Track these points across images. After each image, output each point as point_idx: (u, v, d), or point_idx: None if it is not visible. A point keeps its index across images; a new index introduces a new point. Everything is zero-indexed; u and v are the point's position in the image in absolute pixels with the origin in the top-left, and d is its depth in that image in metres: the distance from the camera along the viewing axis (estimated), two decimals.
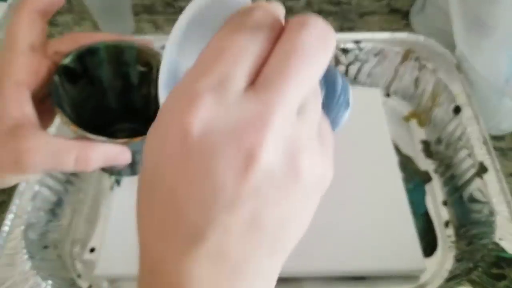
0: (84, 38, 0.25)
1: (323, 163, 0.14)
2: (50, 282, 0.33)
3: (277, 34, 0.13)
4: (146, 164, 0.13)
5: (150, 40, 0.27)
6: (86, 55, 0.26)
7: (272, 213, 0.13)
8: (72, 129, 0.23)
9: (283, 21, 0.14)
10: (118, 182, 0.34)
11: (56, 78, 0.24)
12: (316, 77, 0.13)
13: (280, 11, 0.14)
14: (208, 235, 0.12)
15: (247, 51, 0.12)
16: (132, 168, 0.27)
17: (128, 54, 0.27)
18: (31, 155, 0.20)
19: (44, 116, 0.23)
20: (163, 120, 0.13)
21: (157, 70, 0.23)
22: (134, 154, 0.25)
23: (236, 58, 0.12)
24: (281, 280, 0.38)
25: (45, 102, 0.23)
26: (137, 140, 0.23)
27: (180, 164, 0.12)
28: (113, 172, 0.29)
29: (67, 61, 0.25)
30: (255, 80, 0.12)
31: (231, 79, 0.12)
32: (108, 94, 0.29)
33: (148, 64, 0.27)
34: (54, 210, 0.39)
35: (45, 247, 0.36)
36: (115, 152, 0.23)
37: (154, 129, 0.13)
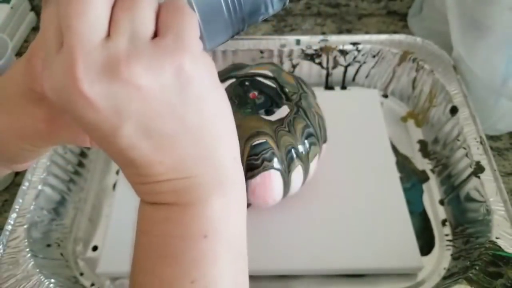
0: None
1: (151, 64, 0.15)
2: (52, 280, 0.33)
3: None
4: None
5: None
6: None
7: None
8: None
9: None
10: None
11: None
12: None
13: None
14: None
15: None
16: None
17: None
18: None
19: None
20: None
21: None
22: None
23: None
24: (280, 277, 0.39)
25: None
26: None
27: None
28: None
29: None
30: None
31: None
32: None
33: None
34: (57, 209, 0.39)
35: (48, 245, 0.37)
36: None
37: None
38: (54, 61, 0.15)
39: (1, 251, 0.34)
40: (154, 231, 0.17)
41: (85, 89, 0.14)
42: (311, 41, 0.48)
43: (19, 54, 0.57)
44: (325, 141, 0.37)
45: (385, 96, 0.50)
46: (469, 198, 0.38)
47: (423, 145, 0.45)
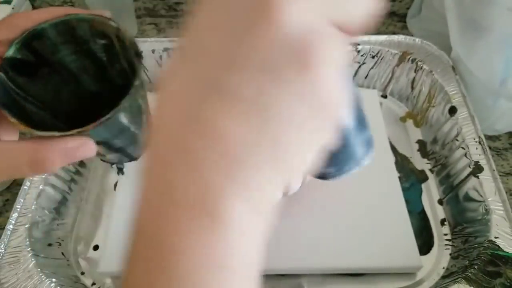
0: (23, 20, 0.21)
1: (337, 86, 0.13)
2: (54, 279, 0.33)
3: None
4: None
5: (100, 11, 0.24)
6: (33, 40, 0.22)
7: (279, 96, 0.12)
8: (21, 129, 0.20)
9: None
10: (121, 170, 0.33)
11: (1, 74, 0.21)
12: None
13: None
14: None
15: None
16: (122, 153, 0.25)
17: (81, 28, 0.23)
18: None
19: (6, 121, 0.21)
20: None
21: (118, 40, 0.23)
22: (109, 140, 0.22)
23: None
24: (281, 276, 0.39)
25: None
26: (91, 126, 0.20)
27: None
28: (104, 160, 0.27)
29: (10, 52, 0.21)
30: None
31: None
32: (81, 79, 0.26)
33: (106, 36, 0.24)
34: (58, 208, 0.39)
35: (49, 245, 0.37)
36: (74, 145, 0.20)
37: None
38: None
39: (2, 250, 0.34)
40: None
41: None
42: None
43: None
44: None
45: (384, 96, 0.50)
46: (468, 198, 0.38)
47: (422, 145, 0.45)
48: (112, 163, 0.29)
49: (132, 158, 0.27)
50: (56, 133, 0.20)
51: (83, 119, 0.21)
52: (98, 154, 0.24)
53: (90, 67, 0.25)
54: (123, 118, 0.22)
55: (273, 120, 0.12)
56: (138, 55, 0.23)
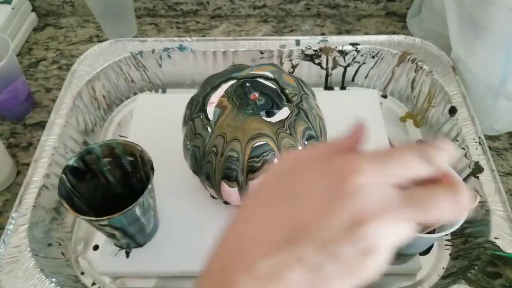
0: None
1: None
2: (53, 279, 0.33)
3: (436, 174, 0.17)
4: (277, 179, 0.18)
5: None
6: (86, 155, 0.34)
7: (331, 268, 0.15)
8: (71, 213, 0.31)
9: (448, 171, 0.17)
10: (128, 254, 0.37)
11: (63, 176, 0.33)
12: (432, 218, 0.16)
13: (448, 158, 0.17)
14: (294, 250, 0.15)
15: (414, 168, 0.16)
16: (132, 239, 0.35)
17: (118, 149, 0.35)
18: None
19: None
20: (329, 162, 0.17)
21: (140, 157, 0.34)
22: (125, 226, 0.33)
23: (405, 166, 0.16)
24: None
25: None
26: (117, 215, 0.30)
27: (324, 186, 0.16)
28: (117, 245, 0.37)
29: (71, 162, 0.33)
30: (405, 187, 0.16)
31: (392, 172, 0.16)
32: (111, 182, 0.36)
33: (133, 155, 0.35)
34: (58, 208, 0.39)
35: (49, 245, 0.37)
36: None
37: (312, 158, 0.18)
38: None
39: (3, 250, 0.34)
40: None
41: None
42: (311, 41, 0.48)
43: (19, 54, 0.57)
44: None
45: (384, 96, 0.50)
46: None
47: None
48: (122, 247, 0.37)
49: (138, 245, 0.37)
50: (93, 218, 0.31)
51: (108, 210, 0.31)
52: (114, 237, 0.34)
53: (119, 175, 0.36)
54: (138, 211, 0.32)
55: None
56: (152, 168, 0.33)
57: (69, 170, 0.33)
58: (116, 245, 0.37)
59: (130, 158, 0.35)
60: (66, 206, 0.31)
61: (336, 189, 0.16)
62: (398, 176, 0.16)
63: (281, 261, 0.15)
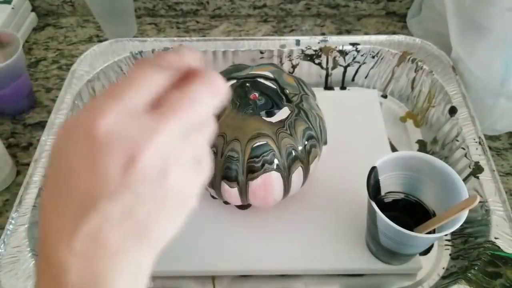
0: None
1: (190, 182, 0.17)
2: None
3: (182, 75, 0.17)
4: (54, 158, 0.17)
5: None
6: None
7: (142, 208, 0.16)
8: None
9: (194, 66, 0.18)
10: None
11: None
12: (199, 116, 0.17)
13: (190, 58, 0.18)
14: (91, 216, 0.15)
15: (150, 82, 0.16)
16: None
17: None
18: None
19: None
20: (74, 123, 0.16)
21: None
22: None
23: (140, 86, 0.16)
24: (280, 276, 0.39)
25: None
26: None
27: (83, 150, 0.15)
28: None
29: None
30: (155, 104, 0.16)
31: (133, 100, 0.16)
32: None
33: None
34: None
35: None
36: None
37: (65, 128, 0.17)
38: None
39: (2, 250, 0.34)
40: None
41: (142, 161, 0.15)
42: (311, 41, 0.48)
43: None
44: (325, 143, 0.37)
45: (384, 96, 0.50)
46: None
47: (422, 145, 0.45)
48: None
49: None
50: None
51: None
52: None
53: None
54: None
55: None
56: None
57: None
58: None
59: None
60: None
61: (91, 143, 0.15)
62: (141, 97, 0.16)
63: (90, 229, 0.15)
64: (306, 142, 0.34)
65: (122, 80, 0.16)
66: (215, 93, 0.17)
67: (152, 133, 0.15)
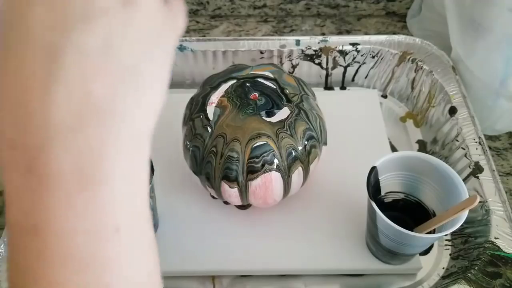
0: None
1: (163, 11, 0.15)
2: None
3: None
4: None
5: None
6: None
7: (121, 35, 0.14)
8: None
9: None
10: None
11: None
12: None
13: None
14: (66, 53, 0.13)
15: None
16: None
17: None
18: None
19: None
20: None
21: None
22: None
23: None
24: (280, 276, 0.39)
25: None
26: None
27: None
28: None
29: None
30: None
31: None
32: None
33: None
34: None
35: None
36: None
37: None
38: None
39: (2, 250, 0.34)
40: (46, 226, 0.13)
41: None
42: (311, 41, 0.48)
43: None
44: (325, 143, 0.37)
45: (384, 96, 0.50)
46: None
47: (422, 145, 0.45)
48: None
49: None
50: None
51: None
52: None
53: None
54: None
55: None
56: (152, 168, 0.33)
57: None
58: None
59: None
60: None
61: None
62: None
63: (68, 70, 0.13)
64: (306, 142, 0.34)
65: None
66: None
67: None
